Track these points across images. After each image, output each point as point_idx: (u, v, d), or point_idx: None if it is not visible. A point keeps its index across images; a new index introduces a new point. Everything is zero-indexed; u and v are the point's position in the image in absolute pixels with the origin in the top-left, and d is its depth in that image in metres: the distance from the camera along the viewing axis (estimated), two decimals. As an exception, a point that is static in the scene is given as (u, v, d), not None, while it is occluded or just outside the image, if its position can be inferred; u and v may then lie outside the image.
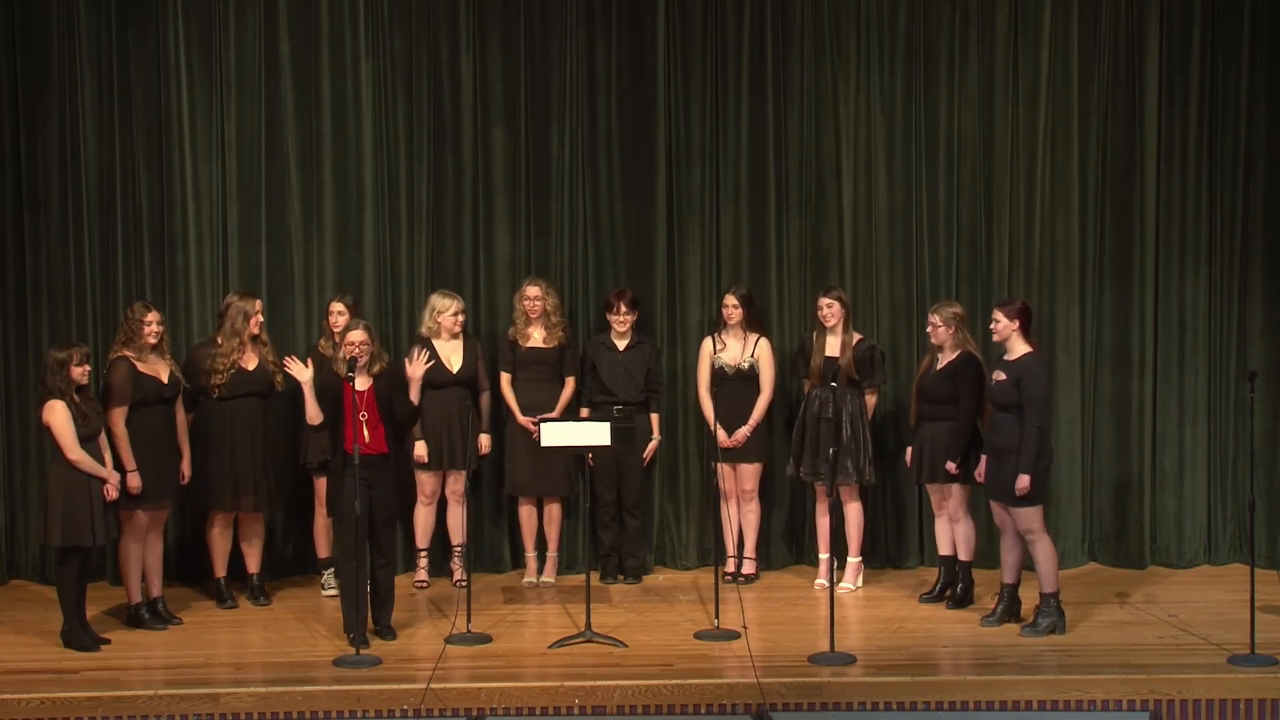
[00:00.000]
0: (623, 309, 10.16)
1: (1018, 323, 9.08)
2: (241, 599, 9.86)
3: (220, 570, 9.82)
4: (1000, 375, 9.08)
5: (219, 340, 9.66)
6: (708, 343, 10.27)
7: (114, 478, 8.94)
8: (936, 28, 10.53)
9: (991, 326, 9.18)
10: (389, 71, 10.43)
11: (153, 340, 9.26)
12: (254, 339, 9.68)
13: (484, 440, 10.19)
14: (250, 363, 9.66)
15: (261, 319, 9.72)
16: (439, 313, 10.05)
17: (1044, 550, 9.04)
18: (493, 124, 10.50)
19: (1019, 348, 9.08)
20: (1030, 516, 9.01)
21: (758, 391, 10.19)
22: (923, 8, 10.51)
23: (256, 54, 10.36)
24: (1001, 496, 9.07)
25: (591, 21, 10.50)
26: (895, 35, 10.53)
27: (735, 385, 10.14)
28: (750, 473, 10.25)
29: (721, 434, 10.01)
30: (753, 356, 10.18)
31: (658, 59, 10.51)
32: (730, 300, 10.16)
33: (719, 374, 10.13)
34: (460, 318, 10.06)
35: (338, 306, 9.92)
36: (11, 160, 10.30)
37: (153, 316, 9.30)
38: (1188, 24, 10.47)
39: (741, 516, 10.30)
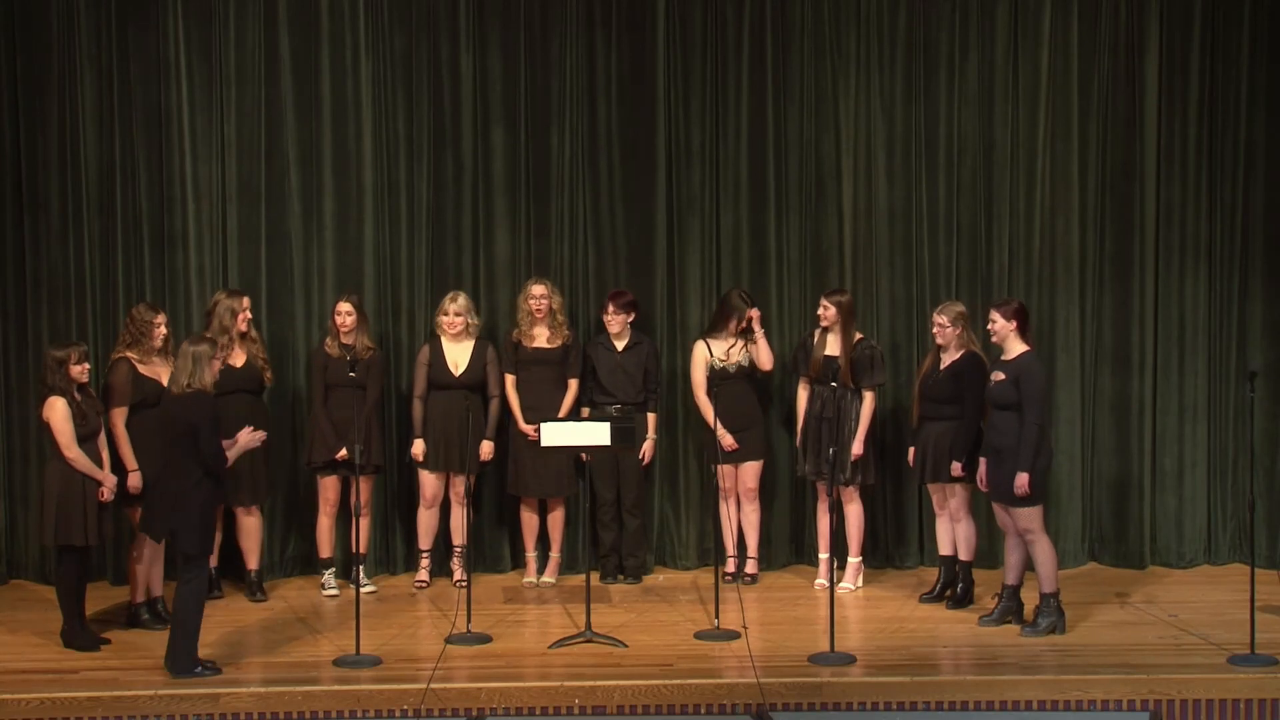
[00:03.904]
0: (610, 309, 10.14)
1: (1015, 323, 9.09)
2: (240, 596, 9.86)
3: (211, 560, 9.77)
4: (999, 375, 9.08)
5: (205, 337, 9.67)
6: (700, 346, 10.26)
7: (110, 480, 8.93)
8: (936, 28, 10.52)
9: (989, 327, 9.18)
10: (389, 71, 10.42)
11: (160, 342, 9.28)
12: (243, 336, 9.71)
13: (486, 447, 10.15)
14: (238, 360, 9.69)
15: (249, 316, 9.74)
16: (439, 313, 10.07)
17: (1043, 550, 9.04)
18: (493, 124, 10.50)
19: (1016, 347, 9.09)
20: (1029, 516, 9.01)
21: (757, 390, 10.19)
22: (923, 8, 10.51)
23: (256, 54, 10.35)
24: (1001, 497, 9.06)
25: (591, 21, 10.49)
26: (895, 35, 10.53)
27: (737, 385, 10.14)
28: (752, 471, 10.24)
29: (723, 434, 10.00)
30: (746, 348, 10.18)
31: (658, 59, 10.50)
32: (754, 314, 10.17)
33: (720, 374, 10.12)
34: (459, 319, 10.02)
35: (345, 307, 9.91)
36: (11, 160, 10.29)
37: (160, 319, 9.34)
38: (1188, 25, 10.47)
39: (742, 516, 10.29)
